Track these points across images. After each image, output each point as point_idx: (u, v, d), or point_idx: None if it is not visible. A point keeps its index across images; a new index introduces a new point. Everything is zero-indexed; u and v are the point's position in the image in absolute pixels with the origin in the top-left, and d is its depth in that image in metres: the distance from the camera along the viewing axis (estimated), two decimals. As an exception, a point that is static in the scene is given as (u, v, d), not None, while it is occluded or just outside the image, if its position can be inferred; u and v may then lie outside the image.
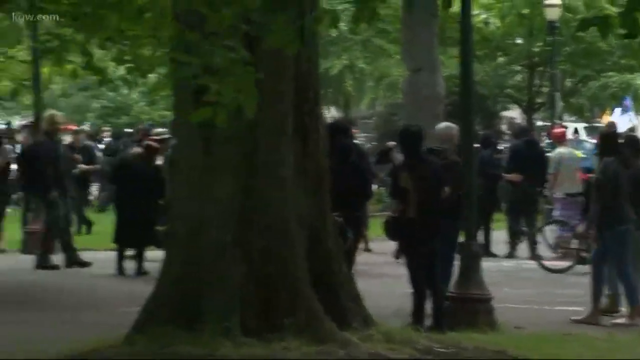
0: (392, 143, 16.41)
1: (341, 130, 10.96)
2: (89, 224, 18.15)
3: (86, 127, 28.63)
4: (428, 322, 10.06)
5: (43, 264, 13.99)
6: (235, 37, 7.16)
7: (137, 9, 7.44)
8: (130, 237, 13.60)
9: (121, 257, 13.86)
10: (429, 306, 10.18)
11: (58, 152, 13.98)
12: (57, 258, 14.43)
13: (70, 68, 8.29)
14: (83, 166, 16.27)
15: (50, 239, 14.22)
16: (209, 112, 6.97)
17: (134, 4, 7.46)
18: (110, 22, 7.47)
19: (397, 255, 13.68)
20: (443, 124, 11.66)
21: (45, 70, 14.61)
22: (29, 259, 14.39)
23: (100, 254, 14.82)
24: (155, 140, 14.33)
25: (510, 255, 16.64)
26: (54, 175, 13.84)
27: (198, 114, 7.07)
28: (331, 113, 33.83)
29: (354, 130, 15.04)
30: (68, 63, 8.54)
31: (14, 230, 16.00)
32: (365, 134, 33.36)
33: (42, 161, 13.93)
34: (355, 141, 13.06)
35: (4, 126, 30.03)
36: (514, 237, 16.82)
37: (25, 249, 15.13)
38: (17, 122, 31.78)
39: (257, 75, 7.09)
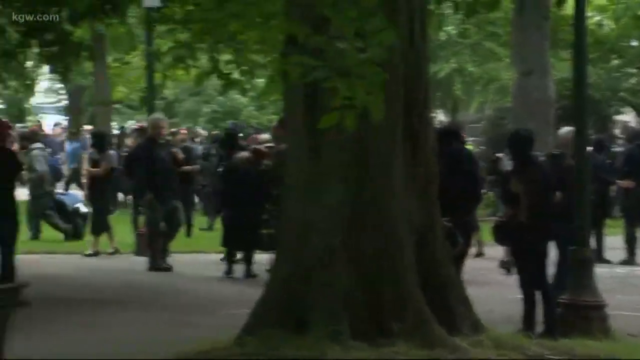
0: (499, 154, 16.25)
1: (451, 134, 10.90)
2: (189, 226, 18.35)
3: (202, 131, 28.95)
4: (539, 328, 9.92)
5: (155, 265, 14.21)
6: (362, 39, 7.12)
7: (257, 14, 7.47)
8: (238, 240, 13.73)
9: (230, 260, 14.00)
10: (540, 312, 10.03)
11: (159, 155, 14.14)
12: (170, 259, 14.66)
13: (194, 72, 8.36)
14: (187, 167, 16.36)
15: (154, 241, 14.43)
16: (336, 117, 6.94)
17: (257, 11, 7.48)
18: (230, 27, 7.52)
19: (504, 265, 13.50)
20: (565, 129, 11.76)
21: (158, 75, 14.85)
22: (142, 261, 14.64)
23: (210, 257, 14.99)
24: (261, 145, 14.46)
25: (628, 262, 16.28)
26: (154, 178, 14.04)
27: (327, 119, 7.03)
28: (439, 117, 33.66)
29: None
30: (183, 68, 8.65)
31: (127, 232, 16.30)
32: (473, 138, 33.08)
33: (142, 164, 14.17)
34: (466, 146, 13.00)
35: (118, 131, 30.67)
36: (630, 244, 16.47)
37: (138, 251, 15.39)
38: (130, 127, 32.42)
39: (385, 75, 7.04)
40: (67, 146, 26.75)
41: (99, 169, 15.82)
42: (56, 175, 17.37)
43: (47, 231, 17.71)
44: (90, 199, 16.24)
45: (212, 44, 7.94)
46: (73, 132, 27.63)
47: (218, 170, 16.20)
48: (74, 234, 17.50)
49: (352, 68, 6.94)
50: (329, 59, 7.02)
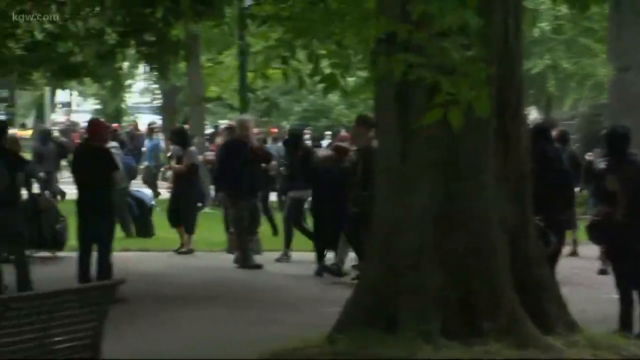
0: (589, 153, 15.96)
1: (543, 132, 10.75)
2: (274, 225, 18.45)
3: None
4: (637, 329, 9.74)
5: (246, 263, 14.31)
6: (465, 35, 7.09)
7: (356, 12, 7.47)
8: (325, 239, 13.73)
9: (320, 259, 14.01)
10: (637, 313, 9.86)
11: (245, 154, 14.20)
12: (260, 257, 14.76)
13: (287, 72, 8.37)
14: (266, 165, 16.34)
15: (242, 239, 14.52)
16: (440, 113, 6.92)
17: (356, 9, 7.48)
18: (328, 27, 7.53)
19: (602, 272, 13.24)
20: None
21: (250, 74, 14.96)
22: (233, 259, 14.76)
23: (299, 255, 15.02)
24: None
25: None
26: (237, 177, 14.12)
27: (431, 115, 7.02)
28: (532, 115, 33.24)
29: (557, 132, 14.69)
30: (276, 68, 8.69)
31: (219, 230, 16.40)
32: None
33: (229, 163, 14.27)
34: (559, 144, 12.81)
35: (212, 130, 30.99)
36: None
37: (230, 249, 15.49)
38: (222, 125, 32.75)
39: (490, 70, 7.00)
40: (147, 144, 27.16)
41: (181, 166, 15.93)
42: (130, 172, 17.44)
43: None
44: (174, 196, 16.30)
45: (308, 43, 7.94)
46: (151, 129, 27.98)
47: (280, 169, 16.28)
48: (147, 231, 17.55)
49: (456, 65, 6.91)
50: (431, 57, 6.99)
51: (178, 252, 15.71)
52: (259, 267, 14.29)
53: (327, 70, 8.04)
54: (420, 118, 7.63)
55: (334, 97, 33.10)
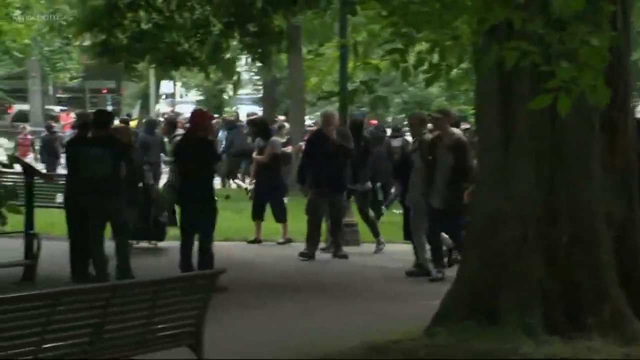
0: None
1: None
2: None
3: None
4: None
5: (338, 254, 14.33)
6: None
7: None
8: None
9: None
10: None
11: (328, 147, 14.09)
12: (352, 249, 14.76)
13: (386, 64, 8.32)
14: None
15: (312, 230, 14.54)
16: (549, 99, 6.84)
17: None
18: (442, 16, 7.46)
19: None
20: None
21: (350, 65, 14.92)
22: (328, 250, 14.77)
23: (396, 247, 14.94)
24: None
25: None
26: (318, 170, 14.07)
27: (538, 101, 6.94)
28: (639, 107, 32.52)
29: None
30: (375, 58, 8.65)
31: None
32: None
33: (312, 155, 14.22)
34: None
35: (312, 122, 31.06)
36: None
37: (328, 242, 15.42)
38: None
39: (609, 58, 6.90)
40: (221, 134, 27.21)
41: (263, 157, 15.91)
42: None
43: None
44: (257, 185, 16.28)
45: (411, 35, 7.88)
46: (230, 120, 28.07)
47: None
48: None
49: (577, 53, 6.82)
50: (549, 45, 6.91)
51: (278, 243, 15.67)
52: (344, 256, 14.23)
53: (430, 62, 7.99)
54: (525, 108, 7.52)
55: (434, 88, 32.90)
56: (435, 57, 7.86)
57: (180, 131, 15.62)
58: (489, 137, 8.64)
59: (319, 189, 14.20)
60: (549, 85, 6.82)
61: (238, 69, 17.30)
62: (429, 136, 12.84)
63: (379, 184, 16.95)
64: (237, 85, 24.23)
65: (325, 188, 14.13)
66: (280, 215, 15.72)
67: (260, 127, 16.74)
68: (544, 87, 6.85)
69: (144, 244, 14.41)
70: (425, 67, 7.73)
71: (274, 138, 16.53)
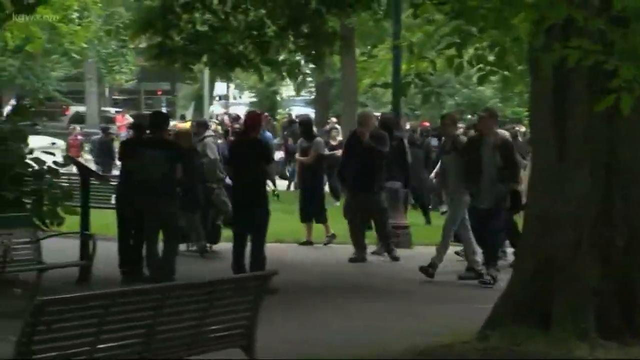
0: None
1: None
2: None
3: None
4: None
5: (390, 255, 14.31)
6: None
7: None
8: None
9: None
10: None
11: (358, 149, 14.01)
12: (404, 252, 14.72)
13: (440, 63, 8.29)
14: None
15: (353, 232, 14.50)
16: (611, 100, 6.77)
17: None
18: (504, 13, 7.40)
19: None
20: None
21: (404, 67, 14.87)
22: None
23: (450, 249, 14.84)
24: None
25: None
26: (356, 170, 14.03)
27: (604, 102, 6.87)
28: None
29: None
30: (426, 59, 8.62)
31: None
32: None
33: (349, 156, 14.19)
34: None
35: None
36: None
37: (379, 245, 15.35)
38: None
39: None
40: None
41: (307, 157, 15.77)
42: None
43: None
44: (302, 187, 16.18)
45: (469, 32, 7.82)
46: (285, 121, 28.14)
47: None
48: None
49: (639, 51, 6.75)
50: (613, 43, 6.83)
51: (324, 244, 15.59)
52: (396, 259, 14.18)
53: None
54: (580, 108, 7.41)
55: (487, 90, 32.71)
56: (490, 58, 7.83)
57: (209, 132, 15.61)
58: (543, 138, 8.57)
59: (351, 190, 14.22)
60: (612, 84, 6.75)
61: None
62: (463, 137, 12.83)
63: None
64: (301, 86, 24.25)
65: (356, 190, 14.08)
66: (319, 217, 15.58)
67: (304, 127, 16.55)
68: (607, 87, 6.78)
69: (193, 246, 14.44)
70: (480, 65, 7.69)
71: (318, 139, 16.32)
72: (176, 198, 11.84)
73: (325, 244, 15.58)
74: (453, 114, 14.81)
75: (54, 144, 28.91)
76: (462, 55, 7.76)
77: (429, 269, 12.64)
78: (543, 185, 8.52)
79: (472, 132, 13.50)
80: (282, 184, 24.62)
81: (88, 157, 28.86)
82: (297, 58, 15.08)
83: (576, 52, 6.99)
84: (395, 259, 14.18)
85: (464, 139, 12.77)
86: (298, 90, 35.95)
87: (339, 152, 19.19)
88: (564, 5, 7.05)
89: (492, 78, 9.28)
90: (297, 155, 16.50)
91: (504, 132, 13.03)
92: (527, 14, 7.40)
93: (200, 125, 15.80)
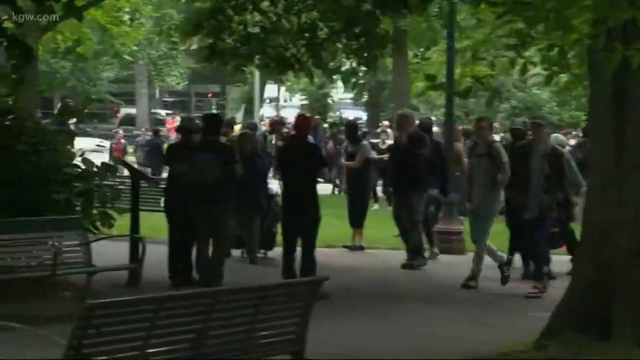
0: None
1: None
2: None
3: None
4: None
5: (432, 253, 14.27)
6: None
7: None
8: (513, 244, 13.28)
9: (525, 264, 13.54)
10: None
11: (399, 151, 13.86)
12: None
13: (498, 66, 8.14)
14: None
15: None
16: None
17: None
18: (559, 16, 7.25)
19: None
20: None
21: (457, 71, 14.70)
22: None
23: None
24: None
25: None
26: (393, 175, 13.92)
27: None
28: None
29: None
30: (481, 61, 8.49)
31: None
32: None
33: (393, 159, 14.10)
34: None
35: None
36: None
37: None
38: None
39: None
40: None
41: (353, 162, 15.44)
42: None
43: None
44: (348, 192, 15.84)
45: (527, 32, 7.68)
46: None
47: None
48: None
49: None
50: None
51: (344, 245, 15.33)
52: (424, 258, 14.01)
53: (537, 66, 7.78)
54: (639, 114, 7.23)
55: (544, 94, 32.38)
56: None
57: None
58: (602, 142, 8.41)
59: (393, 193, 14.16)
60: None
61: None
62: (498, 143, 12.70)
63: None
64: (357, 88, 24.17)
65: (396, 192, 13.98)
66: (357, 220, 15.29)
67: (349, 131, 16.33)
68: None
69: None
70: (545, 65, 7.53)
71: (365, 142, 16.10)
72: (229, 203, 11.64)
73: (345, 246, 15.34)
74: (490, 118, 14.60)
75: (100, 145, 29.08)
76: (523, 56, 7.61)
77: (469, 283, 12.41)
78: (601, 191, 8.36)
79: (508, 137, 13.36)
80: (325, 188, 24.54)
81: (132, 159, 28.99)
82: (353, 65, 14.97)
83: (639, 54, 6.82)
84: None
85: (498, 145, 12.62)
86: (358, 94, 35.56)
87: (386, 157, 19.02)
88: (629, 6, 6.88)
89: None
90: (342, 160, 16.28)
91: (562, 139, 12.83)
92: (588, 15, 7.23)
93: (228, 125, 15.77)
